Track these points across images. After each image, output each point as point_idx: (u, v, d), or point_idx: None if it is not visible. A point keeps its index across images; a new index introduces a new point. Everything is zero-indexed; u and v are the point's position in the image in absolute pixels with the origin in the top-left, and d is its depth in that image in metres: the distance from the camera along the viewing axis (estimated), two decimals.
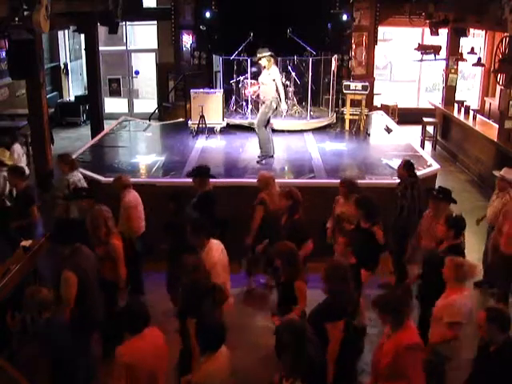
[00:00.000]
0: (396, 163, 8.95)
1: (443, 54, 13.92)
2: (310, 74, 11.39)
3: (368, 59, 14.85)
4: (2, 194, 7.76)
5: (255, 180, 7.09)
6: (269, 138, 9.39)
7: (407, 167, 7.04)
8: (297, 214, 6.20)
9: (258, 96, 10.77)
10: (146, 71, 18.10)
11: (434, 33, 13.28)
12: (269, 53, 9.19)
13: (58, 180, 7.52)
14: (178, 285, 5.95)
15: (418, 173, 8.42)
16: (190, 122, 11.30)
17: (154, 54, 16.63)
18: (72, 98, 16.96)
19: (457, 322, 4.48)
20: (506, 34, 9.54)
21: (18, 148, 9.01)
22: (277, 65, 9.73)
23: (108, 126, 12.25)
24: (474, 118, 12.42)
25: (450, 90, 13.95)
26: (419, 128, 13.90)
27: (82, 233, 5.17)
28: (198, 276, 4.53)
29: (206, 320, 4.01)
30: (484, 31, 14.83)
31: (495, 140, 10.54)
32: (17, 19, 6.40)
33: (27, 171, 8.14)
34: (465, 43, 13.86)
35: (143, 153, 9.94)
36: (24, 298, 4.20)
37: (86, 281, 4.82)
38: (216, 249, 5.26)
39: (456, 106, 13.41)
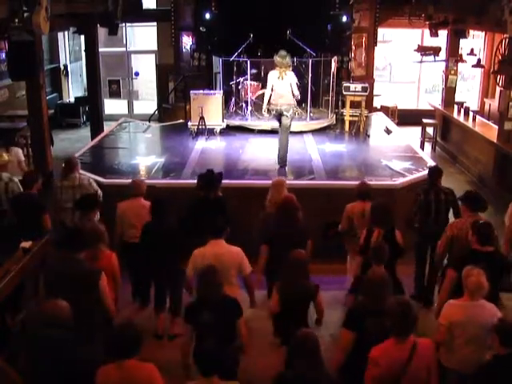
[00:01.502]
0: (396, 164, 9.01)
1: (443, 55, 13.92)
2: (310, 75, 11.38)
3: (368, 60, 14.84)
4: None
5: (255, 181, 7.13)
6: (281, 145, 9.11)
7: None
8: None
9: None
10: (145, 72, 18.09)
11: (434, 34, 13.30)
12: (278, 58, 8.99)
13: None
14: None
15: (418, 174, 8.48)
16: (189, 123, 11.29)
17: (153, 56, 16.65)
18: (72, 100, 16.94)
19: (441, 324, 4.29)
20: (505, 35, 9.54)
21: None
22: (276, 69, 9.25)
23: (108, 127, 12.23)
24: (474, 119, 12.43)
25: (449, 92, 13.95)
26: (419, 129, 13.91)
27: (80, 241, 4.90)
28: (206, 286, 4.39)
29: (203, 340, 3.85)
30: (484, 32, 14.82)
31: (495, 141, 10.53)
32: (17, 20, 6.42)
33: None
34: (464, 44, 13.86)
35: (143, 154, 9.93)
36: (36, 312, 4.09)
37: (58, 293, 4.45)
38: (199, 252, 5.14)
39: (456, 107, 13.40)
